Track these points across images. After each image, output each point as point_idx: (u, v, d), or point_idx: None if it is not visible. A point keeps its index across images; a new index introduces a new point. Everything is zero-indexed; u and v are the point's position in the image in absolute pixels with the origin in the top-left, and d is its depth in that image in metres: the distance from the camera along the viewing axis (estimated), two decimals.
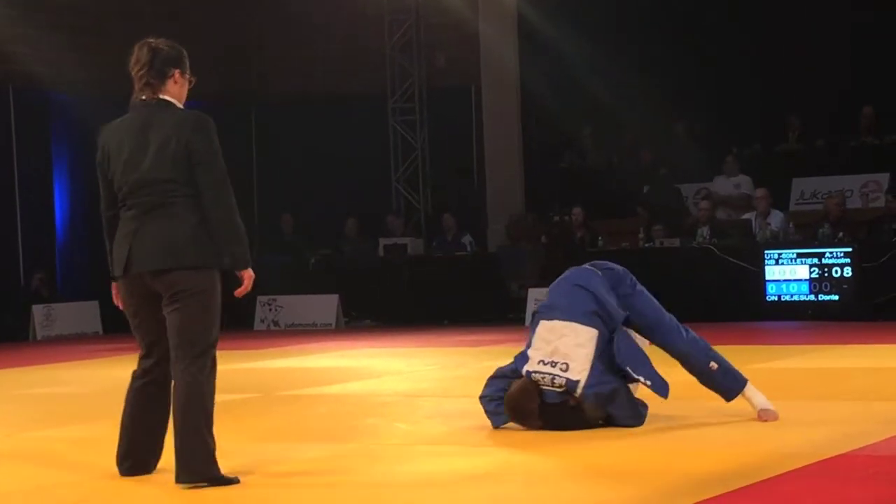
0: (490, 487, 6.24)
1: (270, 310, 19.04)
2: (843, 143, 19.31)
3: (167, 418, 6.51)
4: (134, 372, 6.84)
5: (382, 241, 19.81)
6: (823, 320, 15.79)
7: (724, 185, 18.84)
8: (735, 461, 6.48)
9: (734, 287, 16.54)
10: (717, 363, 7.76)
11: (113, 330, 19.15)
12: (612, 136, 20.99)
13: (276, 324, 19.05)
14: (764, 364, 11.29)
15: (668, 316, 7.90)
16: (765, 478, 5.98)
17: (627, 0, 20.35)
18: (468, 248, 19.62)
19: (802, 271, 16.30)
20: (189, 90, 6.72)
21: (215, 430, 6.44)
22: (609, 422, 7.54)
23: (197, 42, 22.03)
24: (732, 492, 5.72)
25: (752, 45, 19.91)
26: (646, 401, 7.71)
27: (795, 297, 16.34)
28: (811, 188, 18.82)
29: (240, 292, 6.77)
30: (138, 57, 6.70)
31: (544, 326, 7.65)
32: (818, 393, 9.38)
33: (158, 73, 6.65)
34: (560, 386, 7.44)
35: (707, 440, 7.22)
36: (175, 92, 6.69)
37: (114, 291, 6.87)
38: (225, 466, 6.48)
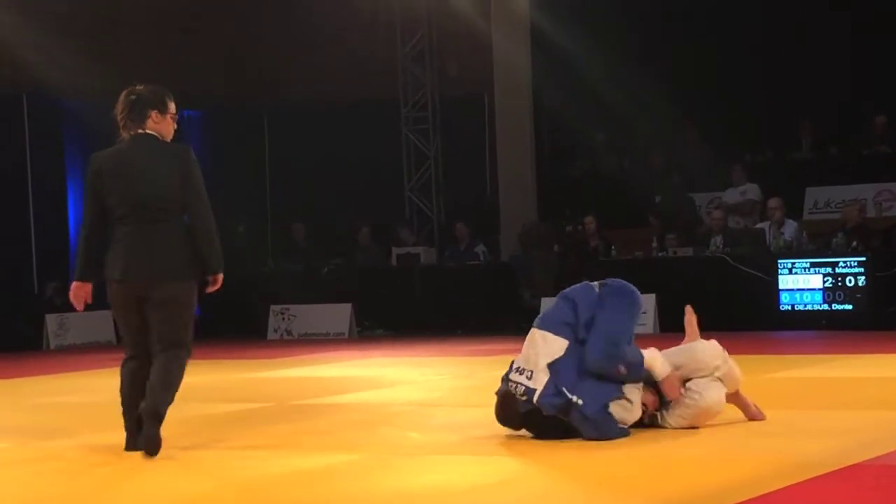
0: (503, 497, 6.23)
1: (283, 319, 19.05)
2: (856, 151, 19.29)
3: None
4: (124, 361, 8.11)
5: (395, 250, 19.80)
6: (837, 330, 15.76)
7: (732, 194, 18.85)
8: (747, 470, 6.47)
9: (747, 296, 16.50)
10: (624, 366, 7.56)
11: None
12: (625, 144, 20.99)
13: (289, 333, 19.04)
14: (777, 373, 11.28)
15: (623, 340, 7.64)
16: (778, 487, 5.97)
17: (639, 8, 20.33)
18: (481, 258, 19.61)
19: (816, 281, 16.27)
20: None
21: (230, 438, 7.13)
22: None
23: (209, 50, 22.42)
24: (744, 501, 5.70)
25: (764, 53, 19.88)
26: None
27: (809, 307, 16.31)
28: (825, 197, 18.79)
29: (212, 290, 7.97)
30: (121, 103, 7.99)
31: (530, 334, 7.76)
32: (832, 402, 9.35)
33: (138, 114, 7.90)
34: (522, 395, 7.51)
35: (719, 451, 7.21)
36: (155, 128, 7.91)
37: (74, 289, 8.46)
38: (237, 475, 6.48)
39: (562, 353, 7.53)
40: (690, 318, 8.33)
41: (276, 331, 19.22)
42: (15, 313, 19.00)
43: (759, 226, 17.71)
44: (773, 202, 17.48)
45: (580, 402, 7.41)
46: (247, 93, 22.07)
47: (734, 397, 8.06)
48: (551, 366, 7.49)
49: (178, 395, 10.66)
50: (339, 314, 18.90)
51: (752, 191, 18.69)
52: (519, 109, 20.61)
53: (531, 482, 6.61)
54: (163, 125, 7.95)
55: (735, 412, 8.30)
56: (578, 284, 8.00)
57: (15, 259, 19.42)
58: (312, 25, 22.03)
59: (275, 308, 19.10)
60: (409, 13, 21.21)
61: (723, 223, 17.85)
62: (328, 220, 20.99)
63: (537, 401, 7.46)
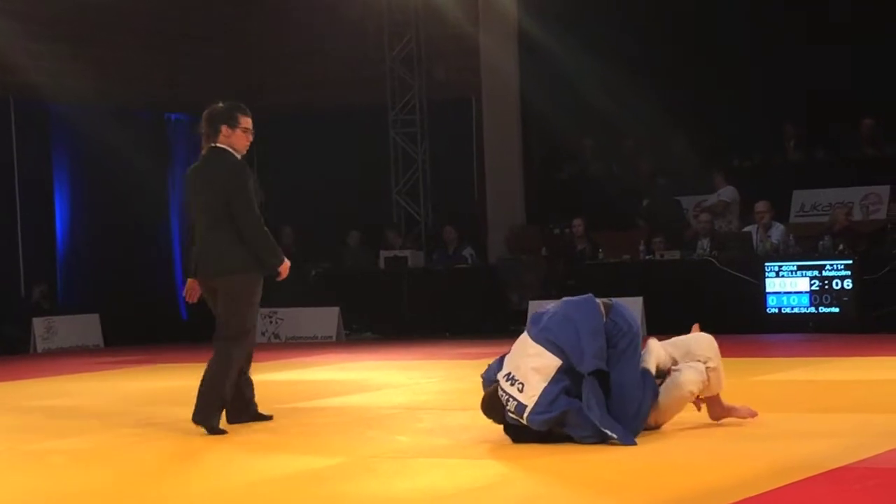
0: (491, 500, 6.24)
1: (271, 322, 19.05)
2: (843, 155, 19.33)
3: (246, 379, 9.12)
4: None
5: (383, 254, 19.81)
6: (824, 333, 15.80)
7: (711, 198, 18.93)
8: (734, 474, 6.48)
9: (735, 299, 16.53)
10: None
11: (114, 343, 19.19)
12: (613, 147, 21.01)
13: (276, 336, 19.05)
14: (764, 376, 11.30)
15: (640, 399, 7.62)
16: (764, 490, 5.98)
17: (627, 12, 20.37)
18: (469, 261, 19.62)
19: (803, 284, 16.30)
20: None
21: (216, 441, 6.84)
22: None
23: (197, 55, 22.40)
24: (733, 503, 5.73)
25: (751, 56, 19.93)
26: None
27: (796, 310, 16.34)
28: (811, 200, 18.83)
29: (280, 279, 9.14)
30: (203, 118, 9.00)
31: (524, 336, 7.71)
32: (818, 405, 9.37)
33: (212, 129, 8.93)
34: (511, 411, 7.50)
35: (706, 454, 7.22)
36: (226, 142, 8.92)
37: (187, 285, 9.24)
38: (225, 479, 6.47)
39: (554, 371, 7.46)
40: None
41: (263, 334, 19.20)
42: (2, 316, 18.98)
43: (746, 229, 17.74)
44: (761, 205, 17.51)
45: (614, 434, 7.38)
46: (235, 97, 22.03)
47: (713, 402, 8.03)
48: (547, 383, 7.43)
49: (163, 399, 10.67)
50: (327, 317, 18.90)
51: (726, 192, 18.77)
52: (507, 113, 20.65)
53: (518, 486, 6.62)
54: (233, 138, 8.91)
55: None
56: (588, 300, 7.82)
57: (2, 262, 19.39)
58: (300, 30, 22.03)
59: (262, 311, 19.08)
60: (397, 17, 21.22)
61: (710, 226, 17.90)
62: (316, 224, 20.98)
63: (527, 418, 7.43)
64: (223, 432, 8.68)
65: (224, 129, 8.89)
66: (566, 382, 7.47)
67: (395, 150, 21.48)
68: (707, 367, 7.85)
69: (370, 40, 21.48)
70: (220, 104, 9.03)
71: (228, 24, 22.32)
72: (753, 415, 8.08)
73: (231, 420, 8.98)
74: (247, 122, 8.98)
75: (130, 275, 20.45)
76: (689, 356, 7.90)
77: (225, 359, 8.85)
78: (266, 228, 8.92)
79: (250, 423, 9.13)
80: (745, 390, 10.15)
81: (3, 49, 18.96)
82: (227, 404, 8.87)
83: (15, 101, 19.53)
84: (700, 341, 8.03)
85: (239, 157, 8.93)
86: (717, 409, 8.08)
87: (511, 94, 20.56)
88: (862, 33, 19.11)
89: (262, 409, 9.36)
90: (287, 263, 9.02)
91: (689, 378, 7.78)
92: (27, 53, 19.24)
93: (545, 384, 7.45)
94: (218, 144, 8.89)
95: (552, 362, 7.50)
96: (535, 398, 7.42)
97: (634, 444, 7.36)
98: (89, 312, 19.63)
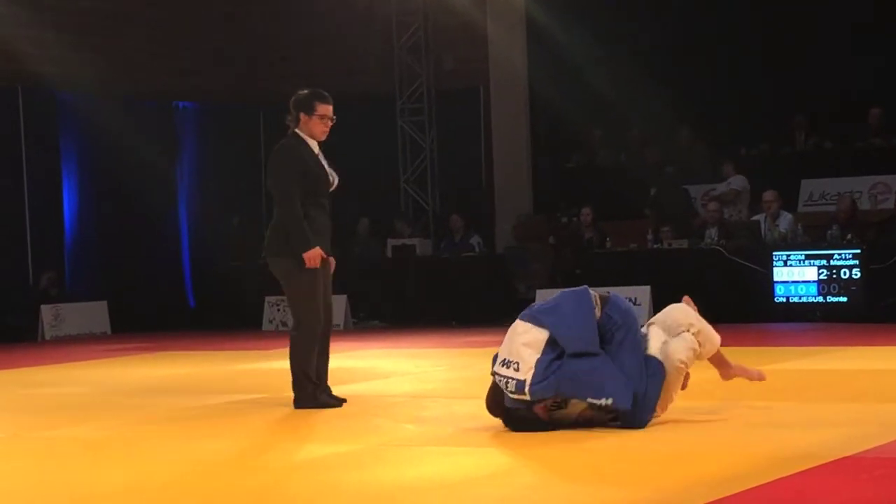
0: (497, 488, 6.24)
1: (279, 310, 19.05)
2: (851, 144, 19.30)
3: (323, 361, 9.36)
4: None
5: (391, 242, 19.81)
6: (831, 322, 15.78)
7: (721, 187, 18.92)
8: (740, 463, 6.48)
9: (742, 288, 16.52)
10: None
11: (121, 330, 19.22)
12: (621, 136, 20.99)
13: (284, 324, 19.03)
14: (772, 365, 11.28)
15: (643, 386, 7.60)
16: (771, 479, 5.98)
17: (636, 1, 20.34)
18: (476, 249, 19.62)
19: (811, 273, 16.28)
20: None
21: (223, 429, 6.83)
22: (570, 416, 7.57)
23: (204, 44, 22.40)
24: (738, 493, 5.71)
25: (759, 45, 19.90)
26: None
27: (804, 299, 16.32)
28: (820, 190, 18.81)
29: (306, 266, 9.12)
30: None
31: (513, 324, 7.78)
32: (825, 394, 9.37)
33: (293, 116, 9.31)
34: (512, 391, 7.51)
35: (712, 443, 7.22)
36: (303, 128, 9.29)
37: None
38: (231, 466, 6.47)
39: (543, 343, 7.52)
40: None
41: (271, 322, 19.24)
42: (10, 304, 19.01)
43: (754, 218, 17.72)
44: (769, 195, 17.48)
45: (608, 400, 7.42)
46: (242, 86, 22.07)
47: (720, 361, 8.03)
48: (539, 354, 7.48)
49: (171, 386, 10.68)
50: (335, 306, 18.79)
51: (736, 181, 18.76)
52: (514, 102, 20.64)
53: (524, 474, 6.62)
54: (310, 125, 9.27)
55: (724, 405, 8.32)
56: (576, 289, 7.87)
57: (10, 250, 19.42)
58: (308, 19, 22.01)
59: (270, 299, 19.11)
60: (404, 6, 21.21)
61: (718, 215, 17.86)
62: None
63: (529, 391, 7.45)
64: (334, 404, 9.14)
65: (302, 116, 9.24)
66: (557, 352, 7.51)
67: (402, 138, 21.48)
68: (693, 334, 7.81)
69: (378, 29, 21.47)
70: (304, 91, 9.36)
71: (236, 12, 22.31)
72: (762, 377, 8.09)
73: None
74: (324, 109, 9.29)
75: (138, 262, 20.48)
76: (671, 330, 7.86)
77: (291, 344, 9.23)
78: (299, 214, 9.06)
79: (251, 407, 9.21)
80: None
81: (11, 38, 18.98)
82: (311, 385, 9.12)
83: (23, 90, 19.54)
84: (673, 313, 7.96)
85: (313, 143, 9.28)
86: (725, 369, 8.07)
87: (519, 82, 20.54)
88: (870, 24, 19.06)
89: (267, 398, 9.43)
90: (311, 252, 9.07)
91: (676, 348, 7.72)
92: (35, 43, 19.26)
93: (538, 355, 7.51)
94: (295, 130, 9.25)
95: (540, 335, 7.57)
96: (532, 370, 7.46)
97: (628, 406, 7.42)
98: (97, 300, 19.66)
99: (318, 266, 9.12)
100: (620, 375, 7.48)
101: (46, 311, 18.95)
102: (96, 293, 19.79)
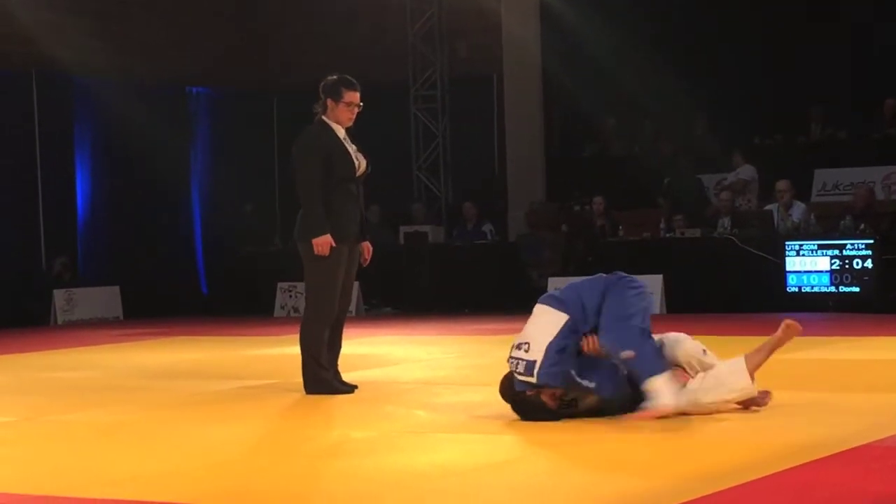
0: (508, 476, 6.25)
1: (290, 296, 19.07)
2: (865, 134, 19.27)
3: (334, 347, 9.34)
4: None
5: (403, 229, 19.81)
6: (844, 312, 15.76)
7: (731, 176, 18.91)
8: (752, 453, 6.48)
9: (755, 278, 16.50)
10: (634, 350, 7.37)
11: (134, 315, 19.25)
12: (634, 125, 20.97)
13: (296, 310, 19.04)
14: (783, 355, 11.24)
15: (634, 317, 7.49)
16: (782, 469, 5.98)
17: None
18: (489, 237, 19.62)
19: (823, 263, 16.26)
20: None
21: (235, 414, 6.83)
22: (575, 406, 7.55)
23: (218, 30, 22.37)
24: (750, 482, 5.72)
25: (774, 36, 19.86)
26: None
27: (816, 289, 16.30)
28: (833, 180, 18.79)
29: (315, 252, 9.13)
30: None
31: (536, 306, 7.75)
32: (837, 384, 9.37)
33: (321, 102, 9.39)
34: (520, 372, 7.45)
35: (723, 432, 7.22)
36: (331, 115, 9.34)
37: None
38: (243, 452, 6.49)
39: (559, 326, 7.44)
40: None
41: (283, 308, 19.26)
42: (23, 288, 19.05)
43: (767, 207, 17.71)
44: (781, 184, 17.46)
45: (592, 384, 7.41)
46: (256, 72, 22.07)
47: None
48: (552, 338, 7.41)
49: (183, 371, 10.71)
50: None
51: (745, 171, 18.75)
52: (528, 90, 20.60)
53: (536, 462, 6.63)
54: (337, 111, 9.31)
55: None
56: (591, 277, 7.87)
57: (23, 234, 19.46)
58: (322, 5, 22.00)
59: (282, 285, 19.13)
60: None
61: (730, 204, 17.85)
62: None
63: (538, 374, 7.37)
64: (345, 390, 9.16)
65: (329, 102, 9.31)
66: (574, 339, 7.45)
67: (415, 126, 21.48)
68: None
69: (392, 16, 21.45)
70: (332, 77, 9.42)
71: (251, 0, 22.34)
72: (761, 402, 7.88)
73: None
74: (351, 96, 9.30)
75: (151, 247, 20.51)
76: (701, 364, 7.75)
77: (301, 328, 9.28)
78: (315, 200, 9.11)
79: (264, 392, 9.23)
80: (764, 369, 10.14)
81: (26, 22, 18.99)
82: (321, 370, 9.14)
83: (37, 74, 19.56)
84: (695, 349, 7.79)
85: (339, 129, 9.31)
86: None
87: (533, 70, 20.51)
88: (888, 14, 19.01)
89: (278, 384, 9.45)
90: (320, 239, 9.07)
91: (735, 382, 7.59)
92: (50, 27, 19.25)
93: (551, 338, 7.41)
94: (322, 117, 9.34)
95: (558, 318, 7.48)
96: (543, 352, 7.37)
97: (608, 397, 7.40)
98: (110, 285, 19.69)
99: (326, 253, 9.07)
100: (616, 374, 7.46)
101: (59, 295, 18.98)
102: (109, 278, 19.81)
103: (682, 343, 7.71)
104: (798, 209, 17.29)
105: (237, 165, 21.58)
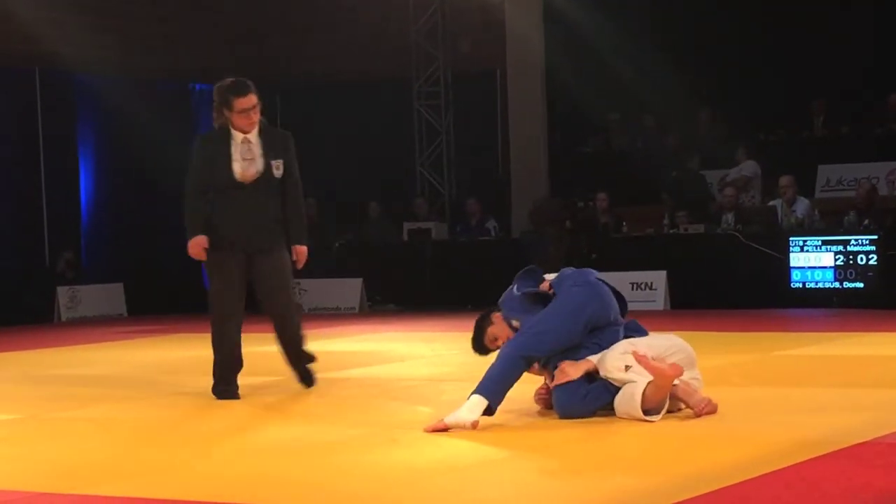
0: (512, 472, 6.25)
1: (294, 293, 19.05)
2: (869, 130, 19.25)
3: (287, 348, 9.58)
4: None
5: (406, 226, 19.81)
6: (848, 308, 15.75)
7: (733, 172, 18.89)
8: (755, 449, 6.47)
9: (759, 274, 16.50)
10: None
11: (137, 312, 19.25)
12: (638, 121, 20.96)
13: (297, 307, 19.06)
14: (787, 351, 11.28)
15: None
16: (786, 465, 5.97)
17: None
18: (492, 233, 19.61)
19: (827, 258, 16.25)
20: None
21: (237, 411, 6.69)
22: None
23: (221, 26, 22.33)
24: (754, 478, 5.71)
25: (778, 31, 19.84)
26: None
27: (820, 285, 16.30)
28: (837, 175, 18.77)
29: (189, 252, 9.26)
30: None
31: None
32: (841, 380, 9.36)
33: (215, 108, 9.14)
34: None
35: (725, 429, 7.20)
36: (231, 123, 9.15)
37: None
38: (246, 447, 6.55)
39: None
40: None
41: None
42: (26, 285, 19.05)
43: (770, 203, 17.70)
44: (784, 180, 17.45)
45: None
46: (258, 68, 22.04)
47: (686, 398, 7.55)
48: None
49: (186, 368, 10.72)
50: (350, 289, 18.92)
51: (748, 167, 18.73)
52: (531, 85, 20.58)
53: (539, 459, 6.62)
54: (233, 120, 9.07)
55: (738, 391, 8.31)
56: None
57: (27, 231, 19.47)
58: (325, 2, 21.99)
59: None
60: None
61: (734, 200, 17.84)
62: (339, 196, 20.99)
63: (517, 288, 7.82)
64: (230, 396, 9.02)
65: (225, 111, 9.11)
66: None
67: (418, 122, 21.47)
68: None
69: (394, 12, 21.44)
70: (223, 83, 9.19)
71: None
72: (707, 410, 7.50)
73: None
74: (242, 103, 8.94)
75: (154, 244, 20.48)
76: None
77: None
78: (193, 204, 9.28)
79: (268, 389, 9.32)
80: (768, 365, 10.16)
81: (28, 20, 19.00)
82: (222, 373, 9.26)
83: (40, 72, 19.57)
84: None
85: (238, 134, 9.07)
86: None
87: (536, 66, 20.49)
88: (892, 9, 19.00)
89: (281, 381, 9.48)
90: (191, 242, 9.21)
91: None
92: (52, 24, 19.26)
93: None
94: (223, 123, 9.16)
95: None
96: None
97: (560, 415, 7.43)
98: (113, 282, 19.70)
99: (198, 257, 9.21)
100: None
101: (62, 292, 19.00)
102: (112, 275, 19.82)
103: (604, 360, 7.45)
104: (802, 205, 17.28)
105: None
